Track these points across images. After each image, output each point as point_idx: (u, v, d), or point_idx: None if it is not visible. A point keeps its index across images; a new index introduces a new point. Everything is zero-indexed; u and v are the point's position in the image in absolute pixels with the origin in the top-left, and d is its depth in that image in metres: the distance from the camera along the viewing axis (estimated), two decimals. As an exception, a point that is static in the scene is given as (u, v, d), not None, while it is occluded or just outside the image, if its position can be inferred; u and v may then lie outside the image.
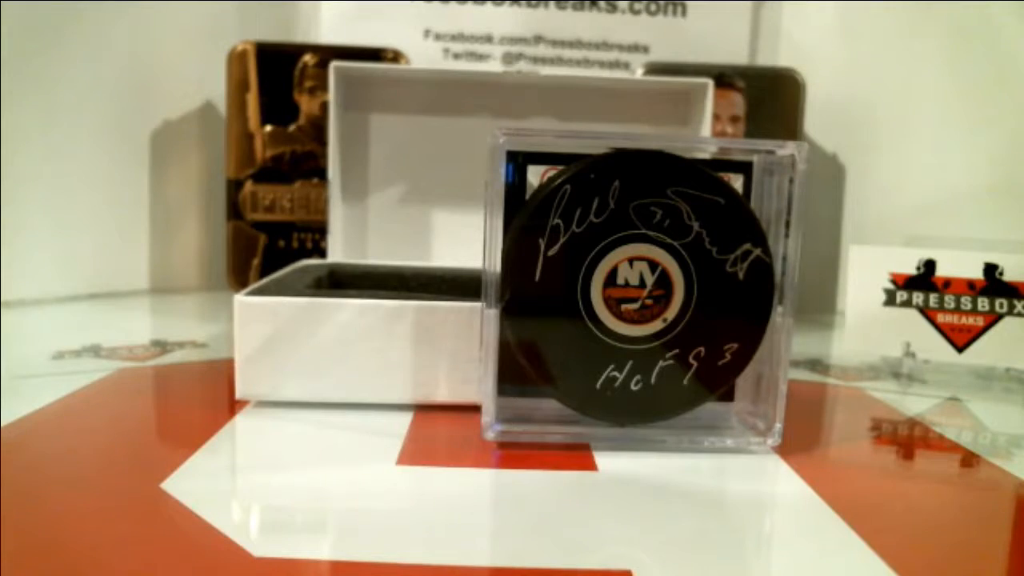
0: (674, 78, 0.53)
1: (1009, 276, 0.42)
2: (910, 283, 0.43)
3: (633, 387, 0.29)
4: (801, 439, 0.31)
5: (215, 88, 0.62)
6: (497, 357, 0.28)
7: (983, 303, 0.42)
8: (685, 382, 0.29)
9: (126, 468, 0.27)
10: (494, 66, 0.66)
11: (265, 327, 0.32)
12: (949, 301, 0.42)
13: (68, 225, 0.59)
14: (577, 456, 0.29)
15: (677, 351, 0.29)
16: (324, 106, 0.57)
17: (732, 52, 0.66)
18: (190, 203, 0.66)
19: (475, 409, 0.29)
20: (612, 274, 0.28)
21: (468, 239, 0.41)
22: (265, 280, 0.39)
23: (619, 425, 0.30)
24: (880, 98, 0.64)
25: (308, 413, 0.32)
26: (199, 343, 0.46)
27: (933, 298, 0.43)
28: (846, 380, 0.43)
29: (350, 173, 0.52)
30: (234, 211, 0.59)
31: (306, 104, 0.59)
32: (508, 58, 0.66)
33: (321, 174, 0.59)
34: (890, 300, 0.43)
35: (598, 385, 0.29)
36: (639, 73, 0.61)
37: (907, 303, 0.43)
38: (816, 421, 0.37)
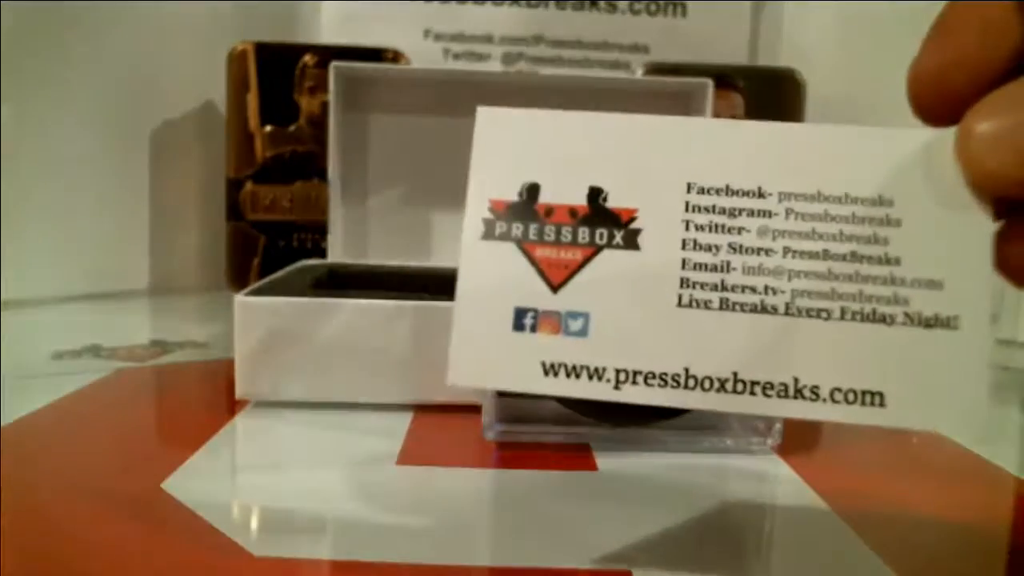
0: (674, 78, 0.53)
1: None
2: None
3: (633, 387, 0.29)
4: (801, 439, 0.31)
5: (215, 88, 0.62)
6: (497, 357, 0.28)
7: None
8: (685, 382, 0.29)
9: (126, 468, 0.27)
10: (494, 66, 0.66)
11: (265, 327, 0.32)
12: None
13: (68, 225, 0.59)
14: (577, 456, 0.29)
15: (677, 351, 0.29)
16: (324, 106, 0.57)
17: (732, 52, 0.66)
18: (190, 203, 0.66)
19: (475, 409, 0.29)
20: (612, 274, 0.28)
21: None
22: (265, 280, 0.39)
23: (619, 425, 0.30)
24: (880, 99, 0.64)
25: (308, 413, 0.32)
26: (199, 343, 0.46)
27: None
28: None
29: (350, 173, 0.52)
30: (234, 211, 0.59)
31: (306, 104, 0.59)
32: (508, 58, 0.66)
33: (321, 174, 0.58)
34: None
35: (598, 385, 0.29)
36: (639, 73, 0.61)
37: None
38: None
